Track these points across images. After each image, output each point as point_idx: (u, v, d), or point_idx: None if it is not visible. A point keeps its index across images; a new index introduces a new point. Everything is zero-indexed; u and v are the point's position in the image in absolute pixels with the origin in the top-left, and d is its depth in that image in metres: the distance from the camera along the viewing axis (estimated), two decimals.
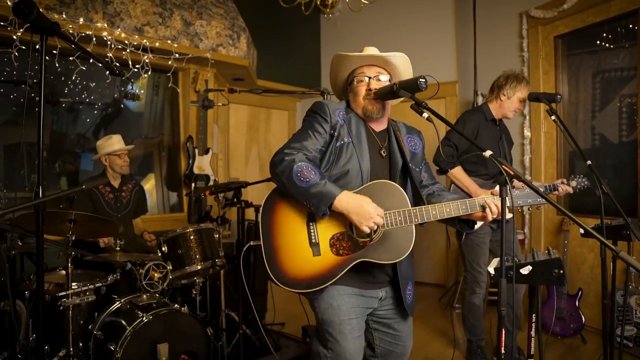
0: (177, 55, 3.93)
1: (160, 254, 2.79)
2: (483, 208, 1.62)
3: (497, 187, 1.52)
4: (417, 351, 2.94)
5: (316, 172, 1.57)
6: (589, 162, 2.08)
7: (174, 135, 4.69)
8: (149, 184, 4.61)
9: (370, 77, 1.74)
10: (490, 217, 1.61)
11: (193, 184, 4.28)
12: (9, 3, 2.93)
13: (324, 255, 1.64)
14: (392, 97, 1.68)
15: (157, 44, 3.79)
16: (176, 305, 2.55)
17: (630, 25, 3.42)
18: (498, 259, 1.61)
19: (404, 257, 1.63)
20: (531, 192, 1.63)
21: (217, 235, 2.98)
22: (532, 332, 1.73)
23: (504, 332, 1.46)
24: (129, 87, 4.00)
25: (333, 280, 1.62)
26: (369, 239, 1.64)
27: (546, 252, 1.67)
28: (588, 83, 3.82)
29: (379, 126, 1.81)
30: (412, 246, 1.63)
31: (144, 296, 2.59)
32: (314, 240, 1.65)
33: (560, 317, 3.32)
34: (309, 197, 1.55)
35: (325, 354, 1.70)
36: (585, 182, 2.74)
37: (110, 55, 3.56)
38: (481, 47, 4.29)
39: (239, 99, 5.11)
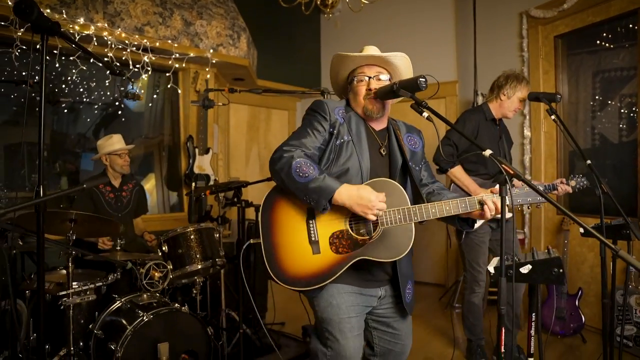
0: (177, 55, 3.93)
1: (160, 254, 2.79)
2: (482, 206, 1.62)
3: (497, 186, 1.52)
4: (417, 350, 2.95)
5: (315, 168, 1.57)
6: (588, 161, 2.09)
7: (174, 135, 4.70)
8: (149, 184, 4.62)
9: (370, 77, 1.74)
10: (488, 215, 1.61)
11: (193, 184, 4.28)
12: (10, 3, 2.94)
13: (324, 253, 1.64)
14: (392, 97, 1.68)
15: (157, 44, 3.79)
16: (176, 305, 2.55)
17: (630, 25, 3.42)
18: (498, 258, 1.61)
19: (404, 255, 1.64)
20: (530, 191, 1.63)
21: (217, 235, 2.98)
22: (532, 331, 1.73)
23: (503, 331, 1.46)
24: (129, 86, 4.01)
25: (332, 279, 1.62)
26: (368, 237, 1.64)
27: (546, 251, 1.67)
28: (588, 83, 3.82)
29: (379, 125, 1.81)
30: (411, 244, 1.63)
31: (145, 295, 2.60)
32: (313, 238, 1.65)
33: (560, 317, 3.33)
34: (309, 192, 1.55)
35: (324, 353, 1.71)
36: (585, 182, 2.74)
37: (111, 55, 3.57)
38: (481, 47, 4.29)
39: (239, 98, 5.12)
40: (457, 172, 2.83)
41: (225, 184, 3.20)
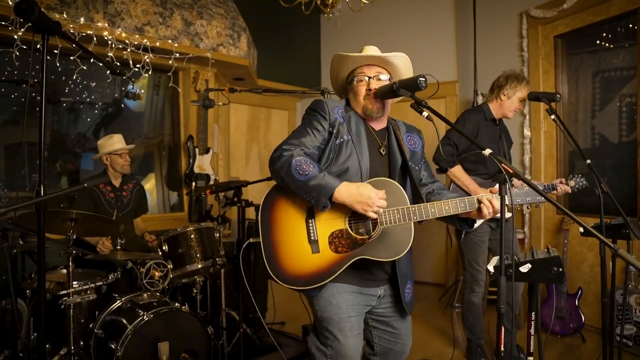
0: (177, 54, 3.94)
1: (160, 253, 2.80)
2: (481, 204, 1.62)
3: (497, 186, 1.52)
4: (416, 350, 2.96)
5: (314, 166, 1.58)
6: (588, 161, 2.09)
7: (175, 134, 4.70)
8: (150, 184, 4.62)
9: (370, 77, 1.75)
10: (486, 214, 1.61)
11: (193, 184, 4.29)
12: (11, 3, 2.94)
13: (323, 252, 1.64)
14: (392, 96, 1.68)
15: (157, 44, 3.80)
16: (177, 304, 2.55)
17: (630, 25, 3.42)
18: (498, 257, 1.61)
19: (403, 254, 1.64)
20: (530, 190, 1.64)
21: (217, 234, 2.99)
22: (532, 331, 1.74)
23: (503, 330, 1.47)
24: (130, 86, 4.01)
25: (332, 278, 1.63)
26: (367, 237, 1.65)
27: (545, 250, 1.68)
28: (588, 83, 3.83)
29: (379, 125, 1.82)
30: (410, 244, 1.64)
31: (145, 295, 2.60)
32: (312, 238, 1.65)
33: (560, 316, 3.33)
34: (309, 190, 1.55)
35: (324, 352, 1.71)
36: (584, 182, 2.75)
37: (111, 54, 3.57)
38: (481, 47, 4.30)
39: (239, 98, 5.13)
40: (457, 171, 2.84)
41: (226, 184, 3.21)
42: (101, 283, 2.54)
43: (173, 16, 4.00)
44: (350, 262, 1.63)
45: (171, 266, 2.69)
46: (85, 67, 3.52)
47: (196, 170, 4.40)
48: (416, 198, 1.75)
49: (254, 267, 3.20)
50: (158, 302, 2.55)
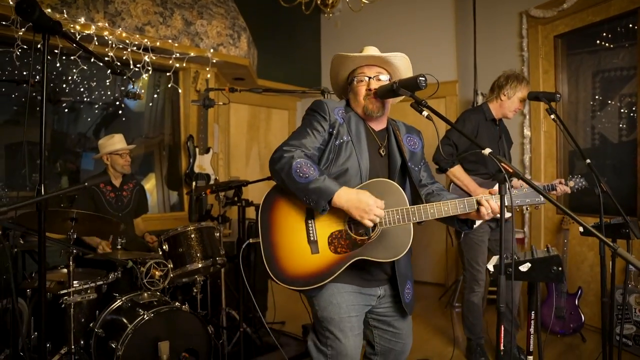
0: (177, 54, 3.94)
1: (161, 253, 2.80)
2: (480, 205, 1.63)
3: (496, 186, 1.53)
4: (416, 349, 2.96)
5: (315, 168, 1.58)
6: (588, 160, 2.10)
7: (175, 134, 4.71)
8: (150, 184, 4.62)
9: (370, 77, 1.75)
10: (485, 215, 1.62)
11: (194, 183, 4.29)
12: (11, 2, 2.94)
13: (322, 253, 1.65)
14: (392, 96, 1.68)
15: (157, 44, 3.80)
16: (177, 304, 2.56)
17: (630, 25, 3.42)
18: (498, 256, 1.62)
19: (402, 255, 1.64)
20: (529, 192, 1.64)
21: (217, 234, 2.99)
22: (532, 330, 1.74)
23: (503, 329, 1.47)
24: (130, 86, 4.02)
25: (331, 278, 1.63)
26: (367, 237, 1.65)
27: (545, 249, 1.68)
28: (588, 82, 3.83)
29: (379, 125, 1.82)
30: (410, 245, 1.64)
31: (145, 294, 2.60)
32: (312, 238, 1.65)
33: (560, 316, 3.33)
34: (309, 193, 1.56)
35: (324, 352, 1.71)
36: (583, 183, 2.75)
37: (111, 54, 3.57)
38: (481, 47, 4.30)
39: (239, 98, 5.13)
40: (457, 171, 2.84)
41: (226, 183, 3.21)
42: (101, 282, 2.55)
43: (173, 16, 4.01)
44: (350, 262, 1.63)
45: (171, 265, 2.70)
46: (85, 67, 3.52)
47: (196, 169, 4.41)
48: (415, 199, 1.75)
49: (254, 266, 3.20)
50: (158, 301, 2.55)
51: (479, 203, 1.62)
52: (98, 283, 2.52)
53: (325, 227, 1.66)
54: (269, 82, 5.31)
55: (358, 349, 1.71)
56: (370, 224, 1.57)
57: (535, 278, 1.61)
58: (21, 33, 3.10)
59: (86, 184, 1.64)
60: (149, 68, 3.80)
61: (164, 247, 2.79)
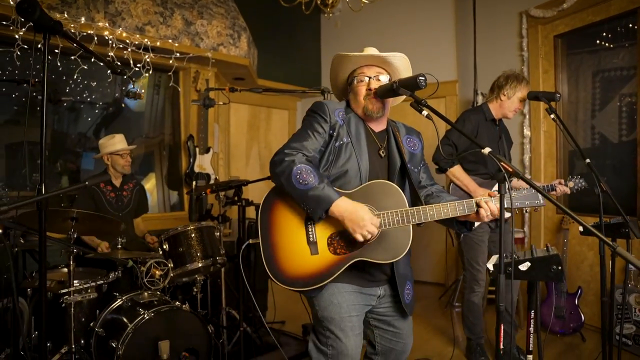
0: (178, 54, 3.94)
1: (161, 252, 2.80)
2: (479, 207, 1.63)
3: (496, 187, 1.53)
4: (416, 349, 2.96)
5: (315, 175, 1.57)
6: (587, 160, 2.10)
7: (175, 134, 4.71)
8: (150, 183, 4.63)
9: (370, 77, 1.75)
10: (484, 217, 1.62)
11: (194, 183, 4.30)
12: (12, 2, 2.95)
13: (322, 254, 1.65)
14: (392, 95, 1.69)
15: (158, 44, 3.80)
16: (177, 303, 2.56)
17: (630, 25, 3.42)
18: (498, 255, 1.62)
19: (401, 257, 1.64)
20: (528, 194, 1.65)
21: (217, 234, 3.00)
22: (531, 329, 1.74)
23: (502, 328, 1.47)
24: (130, 86, 4.02)
25: (330, 279, 1.63)
26: None
27: (545, 249, 1.68)
28: (588, 82, 3.83)
29: (378, 126, 1.82)
30: (409, 246, 1.64)
31: (145, 294, 2.60)
32: (311, 239, 1.66)
33: (559, 316, 3.34)
34: (307, 200, 1.56)
35: (325, 352, 1.71)
36: (583, 183, 2.75)
37: (112, 54, 3.58)
38: (481, 47, 4.30)
39: (239, 98, 5.13)
40: (457, 171, 2.84)
41: (226, 183, 3.21)
42: (102, 282, 2.55)
43: (173, 16, 4.01)
44: (349, 263, 1.64)
45: (172, 265, 2.70)
46: (86, 67, 3.52)
47: (196, 169, 4.41)
48: (415, 200, 1.75)
49: (254, 266, 3.21)
50: (158, 300, 2.55)
51: (478, 205, 1.62)
52: (98, 282, 2.53)
53: (324, 228, 1.66)
54: (269, 82, 5.31)
55: (359, 349, 1.71)
56: (361, 239, 1.56)
57: (535, 277, 1.61)
58: (22, 33, 3.10)
59: (87, 183, 1.65)
60: (149, 68, 3.80)
61: (164, 247, 2.79)
